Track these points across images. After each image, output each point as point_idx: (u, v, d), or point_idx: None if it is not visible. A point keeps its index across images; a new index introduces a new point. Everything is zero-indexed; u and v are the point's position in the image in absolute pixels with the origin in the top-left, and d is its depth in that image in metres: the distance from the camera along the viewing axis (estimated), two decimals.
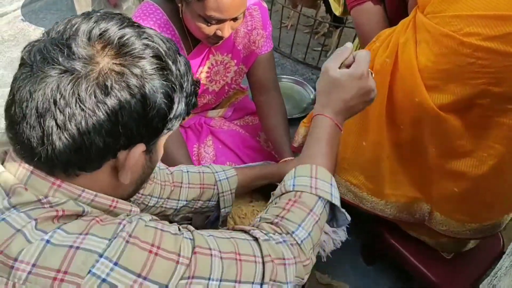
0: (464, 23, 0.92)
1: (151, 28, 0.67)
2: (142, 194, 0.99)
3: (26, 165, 0.61)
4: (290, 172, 0.84)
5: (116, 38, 0.60)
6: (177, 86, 0.65)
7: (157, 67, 0.62)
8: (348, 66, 0.86)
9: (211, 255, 0.64)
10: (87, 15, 0.63)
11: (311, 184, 0.79)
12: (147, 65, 0.61)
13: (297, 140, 1.34)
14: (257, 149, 1.70)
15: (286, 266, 0.70)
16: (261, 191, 1.48)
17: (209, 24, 1.23)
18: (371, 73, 0.86)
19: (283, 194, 0.81)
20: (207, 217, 1.19)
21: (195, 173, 1.11)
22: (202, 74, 1.49)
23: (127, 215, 0.64)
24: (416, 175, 1.21)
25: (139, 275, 0.57)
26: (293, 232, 0.73)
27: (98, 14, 0.63)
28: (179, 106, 0.66)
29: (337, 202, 0.80)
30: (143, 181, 0.73)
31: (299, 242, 0.73)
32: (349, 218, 0.82)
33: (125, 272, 0.57)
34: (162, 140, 0.70)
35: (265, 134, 1.63)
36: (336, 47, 2.44)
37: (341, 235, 1.34)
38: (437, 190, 1.19)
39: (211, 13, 1.18)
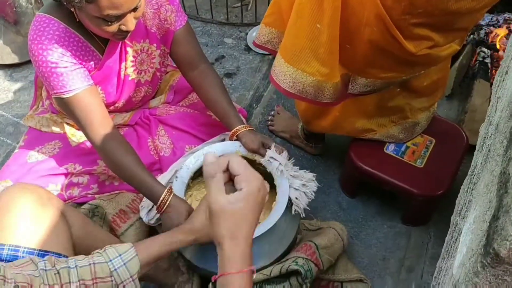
0: None
1: None
2: None
3: None
4: None
5: None
6: None
7: None
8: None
9: None
10: None
11: None
12: None
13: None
14: (211, 124, 1.66)
15: None
16: None
17: (109, 23, 1.16)
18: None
19: None
20: None
21: (85, 266, 0.94)
22: (128, 69, 1.42)
23: None
24: (349, 52, 1.24)
25: None
26: None
27: None
28: None
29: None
30: None
31: None
32: None
33: None
34: None
35: (209, 109, 1.58)
36: None
37: (311, 185, 1.34)
38: (365, 63, 1.26)
39: (107, 11, 1.11)
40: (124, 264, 0.95)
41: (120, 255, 0.96)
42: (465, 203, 0.76)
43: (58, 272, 0.92)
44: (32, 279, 0.85)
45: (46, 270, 0.91)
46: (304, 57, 1.23)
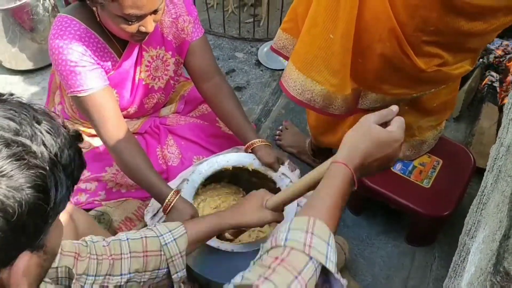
0: None
1: None
2: (75, 275, 0.87)
3: None
4: (285, 224, 0.72)
5: None
6: (47, 167, 0.53)
7: (10, 160, 0.50)
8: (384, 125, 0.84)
9: None
10: None
11: (306, 240, 0.68)
12: None
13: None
14: (220, 135, 1.67)
15: None
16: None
17: (130, 23, 1.19)
18: None
19: (272, 248, 0.69)
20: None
21: (137, 239, 0.97)
22: (142, 73, 1.44)
23: None
24: (360, 67, 1.26)
25: None
26: None
27: None
28: (59, 189, 0.54)
29: (332, 267, 0.68)
30: (46, 270, 0.62)
31: None
32: (344, 284, 0.69)
33: None
34: (54, 224, 0.58)
35: (222, 122, 1.60)
36: (268, 14, 2.41)
37: None
38: (376, 78, 1.28)
39: (129, 11, 1.15)
40: (174, 239, 0.99)
41: (170, 231, 1.00)
42: (474, 223, 0.76)
43: (109, 245, 0.95)
44: (79, 248, 0.89)
45: (94, 242, 0.94)
46: (316, 65, 1.24)
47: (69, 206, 1.24)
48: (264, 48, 2.32)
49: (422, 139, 1.54)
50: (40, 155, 0.53)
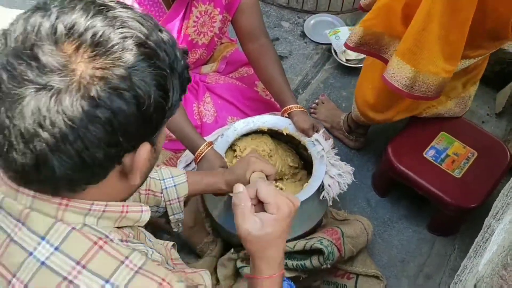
0: None
1: (118, 3, 0.59)
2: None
3: (26, 190, 0.58)
4: None
5: (89, 37, 0.53)
6: (168, 70, 0.58)
7: (142, 58, 0.55)
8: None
9: None
10: (44, 9, 0.54)
11: None
12: (131, 58, 0.54)
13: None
14: (257, 99, 1.69)
15: None
16: None
17: None
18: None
19: None
20: None
21: None
22: (189, 28, 1.46)
23: (134, 249, 0.62)
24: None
25: None
26: None
27: (56, 4, 0.55)
28: (174, 92, 0.60)
29: None
30: (149, 171, 0.70)
31: None
32: None
33: None
34: (163, 128, 0.66)
35: (263, 85, 1.61)
36: None
37: (347, 178, 1.35)
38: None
39: None
40: (175, 185, 1.06)
41: (172, 176, 1.07)
42: (503, 206, 0.76)
43: None
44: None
45: None
46: (431, 59, 1.23)
47: None
48: (311, 20, 2.29)
49: (465, 95, 1.56)
50: (163, 59, 0.58)
